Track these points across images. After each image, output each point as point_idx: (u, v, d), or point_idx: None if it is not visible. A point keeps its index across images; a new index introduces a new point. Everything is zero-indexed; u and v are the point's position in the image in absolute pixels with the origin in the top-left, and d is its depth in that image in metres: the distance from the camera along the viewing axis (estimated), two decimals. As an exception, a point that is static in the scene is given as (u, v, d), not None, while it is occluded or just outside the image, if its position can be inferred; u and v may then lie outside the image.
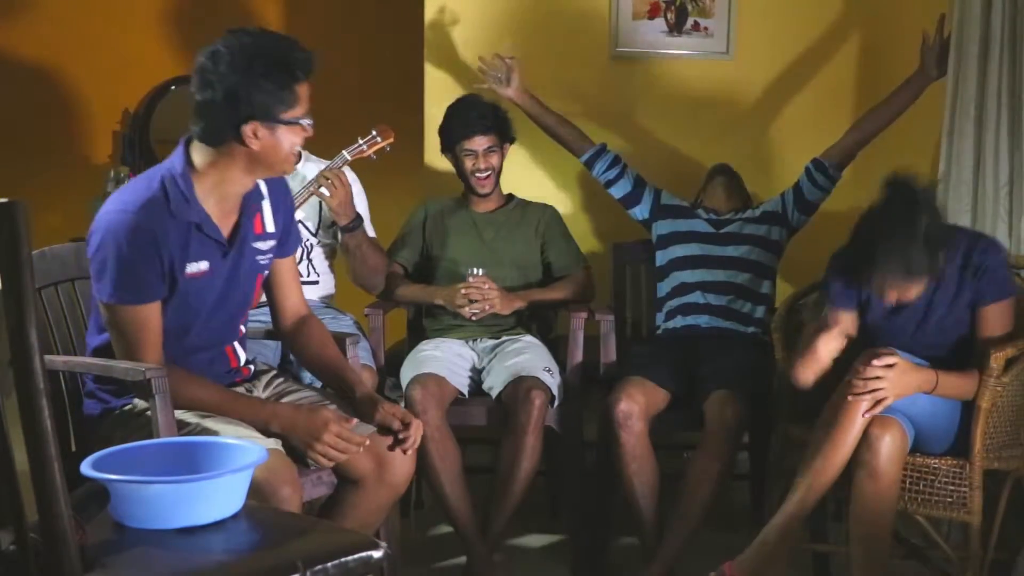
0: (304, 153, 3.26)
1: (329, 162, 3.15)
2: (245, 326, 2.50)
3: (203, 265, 2.25)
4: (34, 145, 5.27)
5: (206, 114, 2.17)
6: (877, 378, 2.43)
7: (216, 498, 1.73)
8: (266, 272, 2.44)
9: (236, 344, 2.45)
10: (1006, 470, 2.58)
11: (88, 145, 5.34)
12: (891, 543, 2.56)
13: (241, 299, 2.40)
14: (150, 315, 2.20)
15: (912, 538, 2.88)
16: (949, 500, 2.50)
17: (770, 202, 3.42)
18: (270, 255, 2.41)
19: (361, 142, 3.14)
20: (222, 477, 1.75)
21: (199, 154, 2.23)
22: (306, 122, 2.24)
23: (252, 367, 2.50)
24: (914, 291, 2.56)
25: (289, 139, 2.21)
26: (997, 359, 2.47)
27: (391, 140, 3.16)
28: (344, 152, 3.12)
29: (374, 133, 3.15)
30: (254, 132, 2.16)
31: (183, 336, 2.30)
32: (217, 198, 2.25)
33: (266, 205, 2.39)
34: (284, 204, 2.45)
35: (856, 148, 3.39)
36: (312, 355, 2.51)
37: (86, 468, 1.73)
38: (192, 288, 2.25)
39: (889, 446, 2.43)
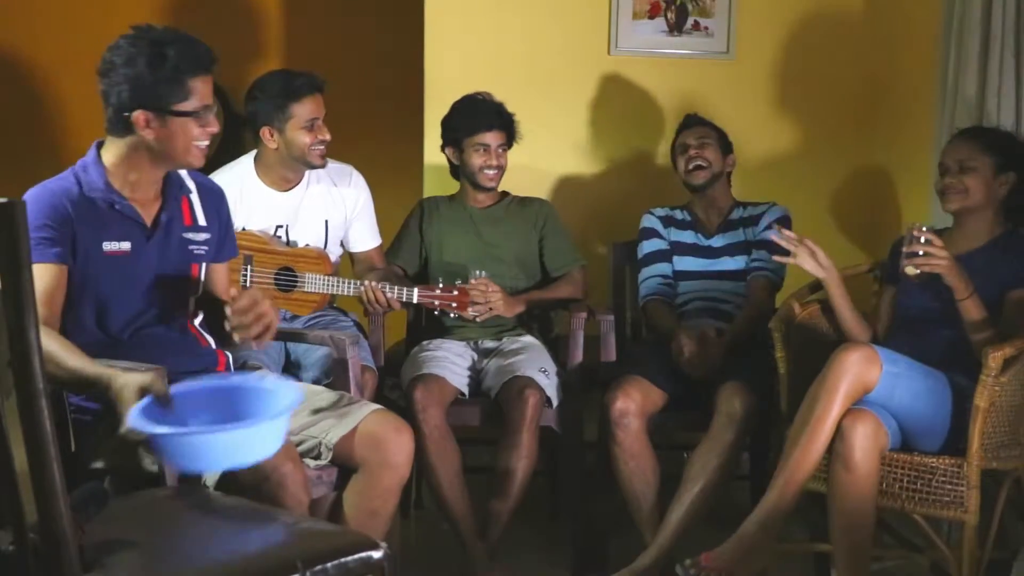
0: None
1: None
2: (200, 310, 2.49)
3: (124, 245, 2.29)
4: (33, 145, 5.27)
5: (106, 104, 2.25)
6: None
7: (259, 441, 1.81)
8: (203, 263, 2.44)
9: (198, 324, 2.47)
10: (1004, 470, 2.59)
11: (87, 145, 5.33)
12: (873, 536, 2.56)
13: (177, 284, 2.40)
14: (43, 276, 2.17)
15: (911, 538, 2.88)
16: (947, 499, 2.50)
17: (752, 230, 3.32)
18: (205, 247, 2.44)
19: (438, 291, 3.03)
20: (265, 422, 1.82)
21: (109, 151, 2.31)
22: (201, 114, 2.25)
23: (228, 354, 2.50)
24: (970, 176, 2.74)
25: (184, 131, 2.24)
26: (995, 359, 2.47)
27: (463, 311, 3.05)
28: (416, 289, 3.02)
29: (455, 292, 3.03)
30: (146, 121, 2.22)
31: (126, 321, 2.31)
32: (131, 188, 2.31)
33: (194, 198, 2.44)
34: (219, 210, 2.50)
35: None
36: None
37: (136, 420, 1.82)
38: (113, 266, 2.28)
39: (863, 438, 2.45)
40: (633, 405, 2.92)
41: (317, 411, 2.39)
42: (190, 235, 2.41)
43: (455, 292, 3.03)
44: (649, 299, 3.35)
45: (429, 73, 3.83)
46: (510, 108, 3.38)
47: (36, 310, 1.35)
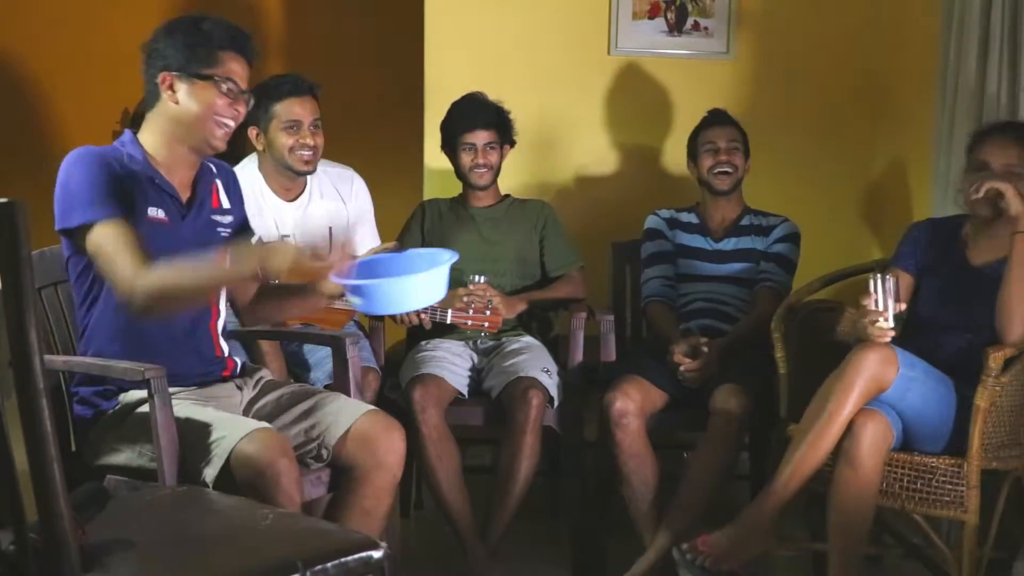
0: (322, 162, 3.21)
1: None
2: (223, 310, 2.49)
3: (161, 214, 2.31)
4: (34, 145, 5.28)
5: (145, 80, 2.31)
6: None
7: (437, 286, 2.19)
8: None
9: (217, 327, 2.45)
10: (1005, 470, 2.59)
11: (84, 143, 5.33)
12: (872, 536, 2.56)
13: None
14: (124, 230, 2.19)
15: (911, 537, 2.88)
16: (947, 499, 2.50)
17: (762, 239, 3.32)
18: (229, 229, 2.46)
19: (471, 311, 3.08)
20: (439, 267, 2.19)
21: (145, 131, 2.35)
22: (225, 84, 2.27)
23: (237, 360, 2.50)
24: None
25: (204, 97, 2.27)
26: (996, 359, 2.47)
27: (493, 330, 3.14)
28: (449, 311, 3.08)
29: (488, 313, 3.10)
30: (171, 85, 2.26)
31: None
32: (167, 169, 2.34)
33: (219, 183, 2.48)
34: (236, 194, 2.53)
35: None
36: (276, 305, 2.58)
37: (338, 278, 2.17)
38: (154, 235, 2.26)
39: (871, 436, 2.45)
40: (633, 405, 2.92)
41: (314, 411, 2.39)
42: (217, 217, 2.44)
43: (488, 312, 3.07)
44: (650, 301, 3.35)
45: (429, 74, 3.83)
46: (510, 109, 3.39)
47: (36, 309, 1.35)
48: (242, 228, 2.53)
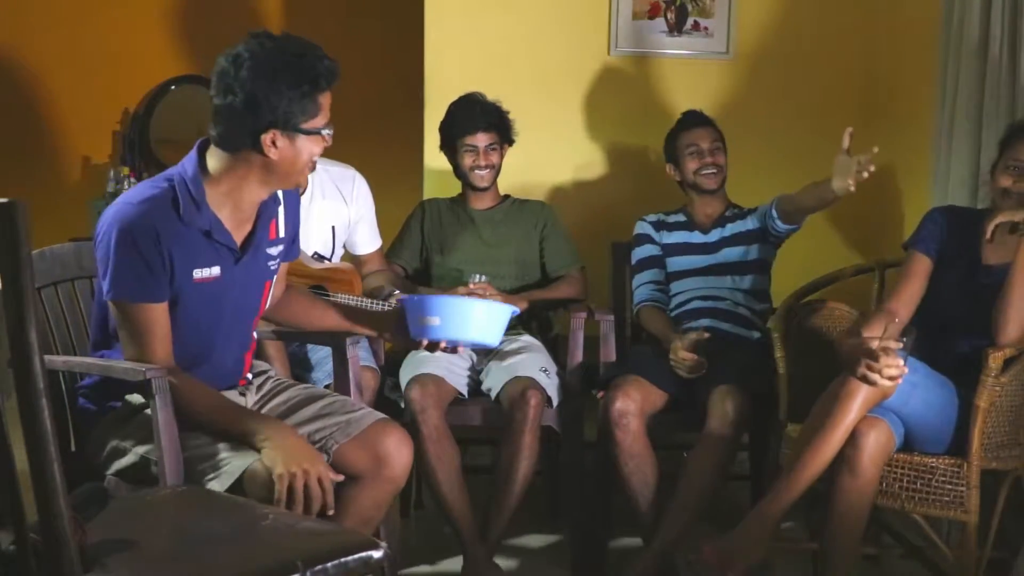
0: (323, 161, 3.22)
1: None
2: (255, 335, 2.48)
3: (214, 271, 2.22)
4: (34, 145, 5.28)
5: (225, 119, 2.13)
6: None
7: (490, 322, 2.35)
8: (274, 279, 2.41)
9: (251, 352, 2.45)
10: (1004, 470, 2.59)
11: (88, 145, 5.34)
12: (868, 536, 2.56)
13: (253, 305, 2.39)
14: (152, 315, 2.16)
15: (911, 537, 2.88)
16: (947, 499, 2.50)
17: (750, 218, 3.34)
18: (279, 259, 2.40)
19: None
20: (505, 306, 2.41)
21: (214, 160, 2.20)
22: (327, 132, 2.20)
23: (250, 374, 2.50)
24: None
25: (308, 149, 2.18)
26: (996, 359, 2.47)
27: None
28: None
29: None
30: (273, 141, 2.13)
31: (203, 343, 2.28)
32: (231, 206, 2.23)
33: (281, 211, 2.38)
34: (295, 214, 2.45)
35: (796, 216, 3.22)
36: (307, 322, 2.61)
37: (405, 297, 2.44)
38: (202, 294, 2.22)
39: (873, 445, 2.45)
40: (633, 405, 2.93)
41: (320, 416, 2.38)
42: (270, 250, 2.36)
43: None
44: (642, 306, 3.35)
45: (429, 74, 3.83)
46: (510, 108, 3.39)
47: (36, 309, 1.35)
48: (289, 251, 2.45)
